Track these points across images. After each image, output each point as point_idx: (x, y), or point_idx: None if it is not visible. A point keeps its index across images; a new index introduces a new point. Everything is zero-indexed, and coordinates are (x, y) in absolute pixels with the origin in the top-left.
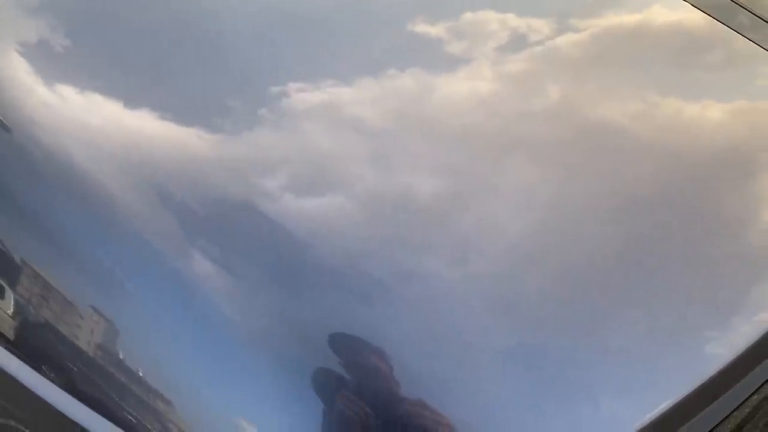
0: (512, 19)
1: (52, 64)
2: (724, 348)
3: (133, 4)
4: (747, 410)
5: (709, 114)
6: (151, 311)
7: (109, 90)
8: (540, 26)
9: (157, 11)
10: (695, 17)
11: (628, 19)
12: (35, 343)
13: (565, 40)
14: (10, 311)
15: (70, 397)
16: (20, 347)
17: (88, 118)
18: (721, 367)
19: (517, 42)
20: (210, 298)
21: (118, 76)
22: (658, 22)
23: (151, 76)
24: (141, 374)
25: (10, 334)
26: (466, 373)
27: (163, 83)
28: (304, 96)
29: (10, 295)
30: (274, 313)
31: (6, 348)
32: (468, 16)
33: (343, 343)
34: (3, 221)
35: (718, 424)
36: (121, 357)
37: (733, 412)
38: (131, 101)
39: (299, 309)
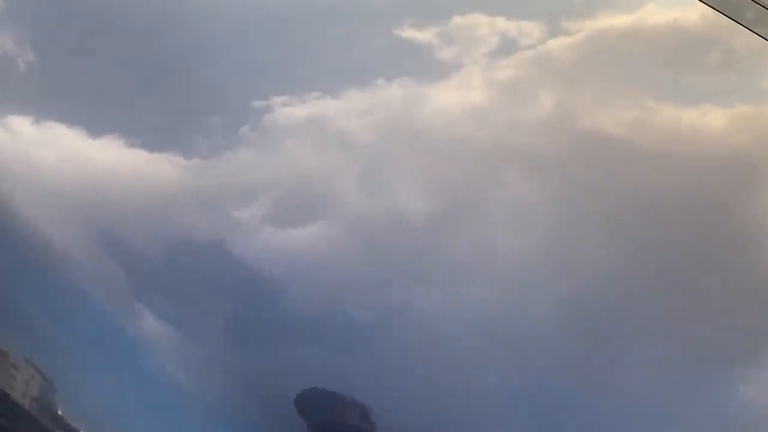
0: (502, 22)
1: (3, 91)
2: (759, 389)
3: (97, 17)
4: None
5: (708, 120)
6: (92, 370)
7: (70, 117)
8: (531, 29)
9: (125, 23)
10: (691, 15)
11: (621, 20)
12: None
13: (557, 43)
14: None
15: None
16: None
17: (41, 154)
18: (759, 412)
19: (508, 46)
20: (161, 360)
21: (80, 99)
22: (652, 21)
23: (118, 96)
24: None
25: None
26: (462, 424)
27: (132, 104)
28: (288, 110)
29: None
30: (237, 374)
31: None
32: (457, 19)
33: (317, 402)
34: None
35: None
36: (59, 413)
37: None
38: (95, 128)
39: (267, 368)
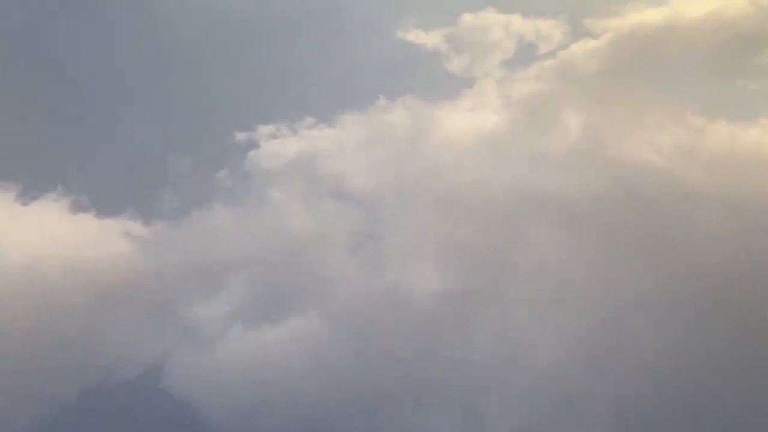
0: (518, 22)
1: None
2: None
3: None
4: None
5: None
6: None
7: None
8: (550, 30)
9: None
10: (737, 5)
11: (652, 15)
12: None
13: (580, 48)
14: None
15: None
16: None
17: None
18: None
19: (526, 54)
20: None
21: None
22: (688, 15)
23: (59, 142)
24: None
25: None
26: None
27: (79, 150)
28: (275, 145)
29: None
30: None
31: None
32: (467, 18)
33: None
34: None
35: None
36: None
37: None
38: (28, 189)
39: None
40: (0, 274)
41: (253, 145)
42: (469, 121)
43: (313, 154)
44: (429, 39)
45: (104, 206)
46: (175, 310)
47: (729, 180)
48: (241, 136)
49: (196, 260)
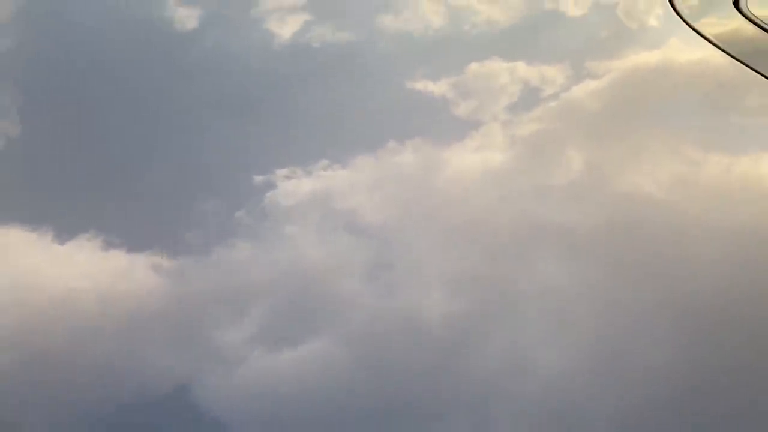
0: (522, 68)
1: None
2: None
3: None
4: None
5: (763, 169)
6: None
7: (33, 221)
8: (553, 74)
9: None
10: (720, 54)
11: (647, 57)
12: None
13: (581, 89)
14: None
15: None
16: None
17: None
18: None
19: (530, 97)
20: None
21: (45, 196)
22: (681, 60)
23: (92, 186)
24: None
25: None
26: None
27: (110, 194)
28: (291, 185)
29: None
30: None
31: None
32: (474, 66)
33: None
34: None
35: None
36: None
37: None
38: (64, 230)
39: None
40: (40, 307)
41: (270, 186)
42: (475, 159)
43: (327, 193)
44: (437, 87)
45: (134, 243)
46: (201, 334)
47: (724, 207)
48: (258, 178)
49: (219, 290)
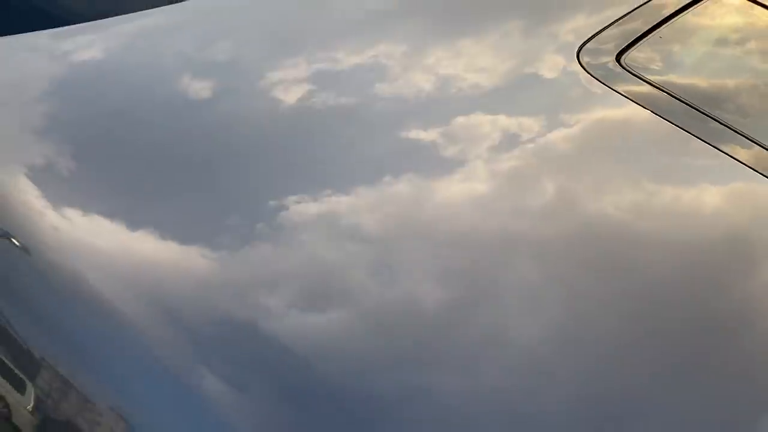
0: (503, 120)
1: (59, 187)
2: None
3: (133, 125)
4: None
5: (706, 199)
6: (162, 421)
7: (112, 212)
8: (531, 124)
9: (155, 133)
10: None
11: (613, 112)
12: None
13: (555, 134)
14: (30, 406)
15: None
16: None
17: (95, 241)
18: None
19: (510, 141)
20: (220, 416)
21: (120, 197)
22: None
23: (151, 196)
24: None
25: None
26: None
27: (164, 203)
28: (301, 208)
29: (30, 390)
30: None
31: None
32: (460, 120)
33: None
34: (23, 328)
35: None
36: None
37: None
38: (133, 223)
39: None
40: (115, 282)
41: (283, 207)
42: (461, 188)
43: (334, 212)
44: (427, 135)
45: (184, 238)
46: None
47: (673, 226)
48: (272, 203)
49: (251, 272)
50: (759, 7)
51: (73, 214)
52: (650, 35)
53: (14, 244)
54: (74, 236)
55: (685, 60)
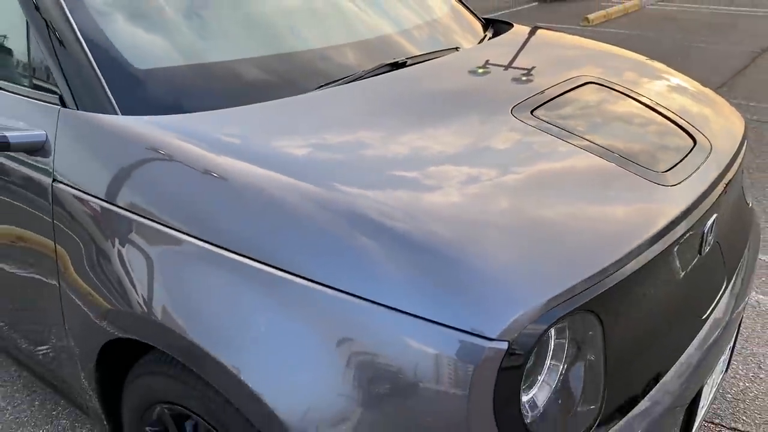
0: (466, 170)
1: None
2: None
3: None
4: None
5: None
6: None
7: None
8: (489, 172)
9: None
10: None
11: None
12: None
13: (509, 177)
14: None
15: None
16: None
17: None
18: None
19: (475, 179)
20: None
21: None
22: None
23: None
24: None
25: None
26: None
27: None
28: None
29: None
30: None
31: None
32: (431, 168)
33: None
34: None
35: None
36: None
37: None
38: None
39: None
40: None
41: None
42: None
43: None
44: (410, 174)
45: None
46: None
47: None
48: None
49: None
50: None
51: None
52: (554, 100)
53: None
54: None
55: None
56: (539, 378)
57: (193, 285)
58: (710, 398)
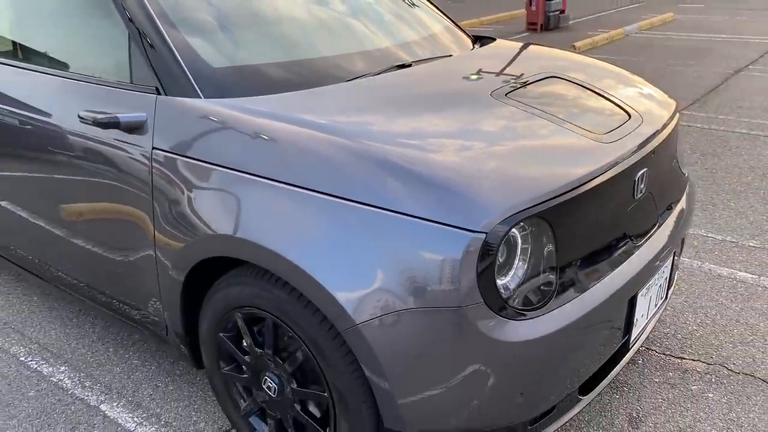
0: (456, 124)
1: None
2: None
3: None
4: None
5: None
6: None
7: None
8: (475, 128)
9: None
10: None
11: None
12: None
13: (489, 132)
14: None
15: None
16: None
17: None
18: None
19: (462, 132)
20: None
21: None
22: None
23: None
24: None
25: None
26: None
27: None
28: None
29: None
30: None
31: None
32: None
33: None
34: None
35: None
36: None
37: None
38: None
39: None
40: None
41: None
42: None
43: None
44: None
45: None
46: None
47: None
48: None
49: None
50: None
51: None
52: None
53: None
54: None
55: None
56: (512, 266)
57: (274, 214)
58: (650, 311)
